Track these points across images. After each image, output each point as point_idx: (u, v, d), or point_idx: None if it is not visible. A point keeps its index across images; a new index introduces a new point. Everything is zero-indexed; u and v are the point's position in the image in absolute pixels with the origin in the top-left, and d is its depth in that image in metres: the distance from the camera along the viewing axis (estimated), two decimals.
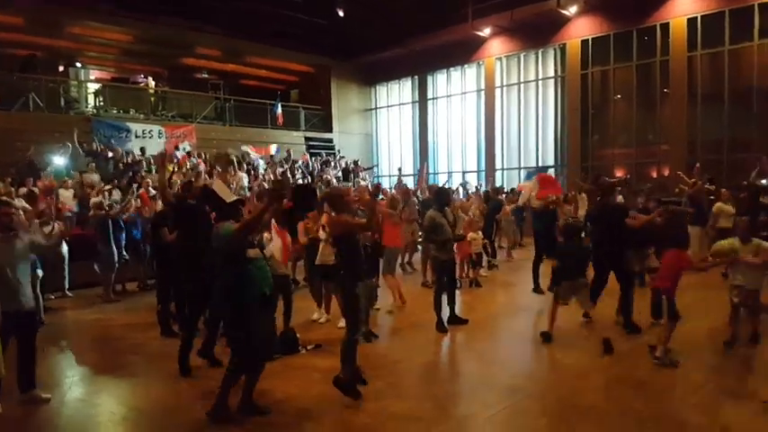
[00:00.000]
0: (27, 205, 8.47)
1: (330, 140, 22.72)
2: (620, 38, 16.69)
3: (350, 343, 4.64)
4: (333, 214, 4.95)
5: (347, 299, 4.71)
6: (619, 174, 16.67)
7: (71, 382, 5.54)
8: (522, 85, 19.52)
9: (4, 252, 4.82)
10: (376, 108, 24.56)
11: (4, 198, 5.99)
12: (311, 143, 21.74)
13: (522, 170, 19.50)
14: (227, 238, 4.18)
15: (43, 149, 12.91)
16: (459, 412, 4.53)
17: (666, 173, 15.48)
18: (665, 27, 15.62)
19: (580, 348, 5.96)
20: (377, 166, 22.95)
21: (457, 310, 7.34)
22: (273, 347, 4.61)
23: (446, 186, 10.47)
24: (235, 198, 4.48)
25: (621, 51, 16.71)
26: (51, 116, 15.29)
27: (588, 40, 17.33)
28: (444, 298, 6.98)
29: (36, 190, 10.62)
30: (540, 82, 19.05)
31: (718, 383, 5.00)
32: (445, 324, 6.91)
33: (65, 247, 9.66)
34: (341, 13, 19.94)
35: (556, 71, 18.60)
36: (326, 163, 19.41)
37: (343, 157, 20.81)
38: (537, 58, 19.04)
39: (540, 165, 18.98)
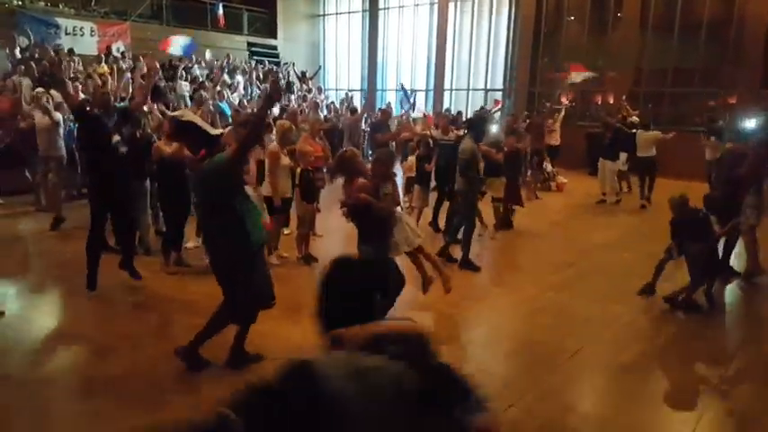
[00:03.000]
0: None
1: (274, 48, 21.64)
2: None
3: None
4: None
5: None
6: (563, 100, 16.95)
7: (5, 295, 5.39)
8: (476, 2, 19.05)
9: None
10: (324, 15, 23.42)
11: None
12: (254, 49, 20.64)
13: (470, 92, 19.44)
14: (222, 170, 3.57)
15: None
16: None
17: (611, 100, 15.85)
18: None
19: None
20: (321, 67, 22.10)
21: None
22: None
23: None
24: (219, 131, 3.96)
25: None
26: None
27: None
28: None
29: None
30: None
31: None
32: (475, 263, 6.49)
33: None
34: None
35: None
36: (269, 72, 18.58)
37: (287, 63, 19.90)
38: None
39: (488, 87, 18.97)
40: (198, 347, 3.85)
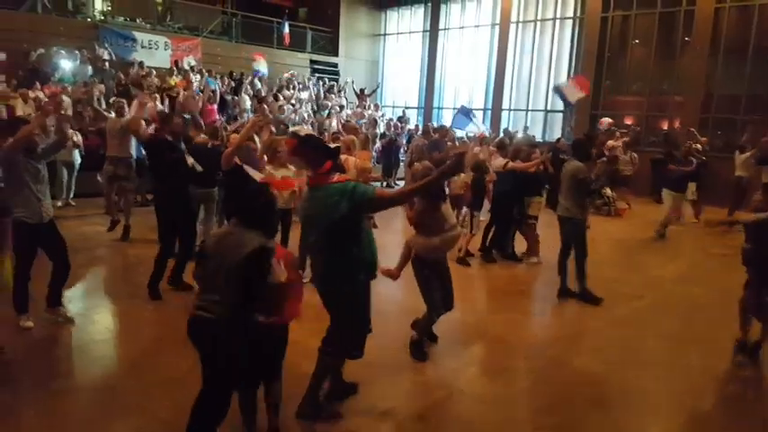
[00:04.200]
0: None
1: (335, 65, 22.10)
2: None
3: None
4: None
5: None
6: (628, 122, 16.58)
7: (71, 297, 5.59)
8: (538, 23, 18.94)
9: (26, 162, 4.64)
10: (385, 34, 23.78)
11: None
12: (316, 66, 21.15)
13: (529, 112, 19.25)
14: (365, 203, 3.25)
15: (50, 54, 12.47)
16: None
17: (677, 125, 15.36)
18: None
19: None
20: (379, 85, 22.47)
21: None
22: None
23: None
24: (337, 144, 3.84)
25: None
26: (59, 19, 14.74)
27: None
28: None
29: (42, 95, 10.42)
30: (557, 21, 18.49)
31: None
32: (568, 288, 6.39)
33: (77, 157, 9.60)
34: None
35: (575, 11, 18.03)
36: (330, 89, 18.97)
37: (348, 81, 20.29)
38: None
39: (548, 108, 18.75)
40: (316, 401, 3.60)
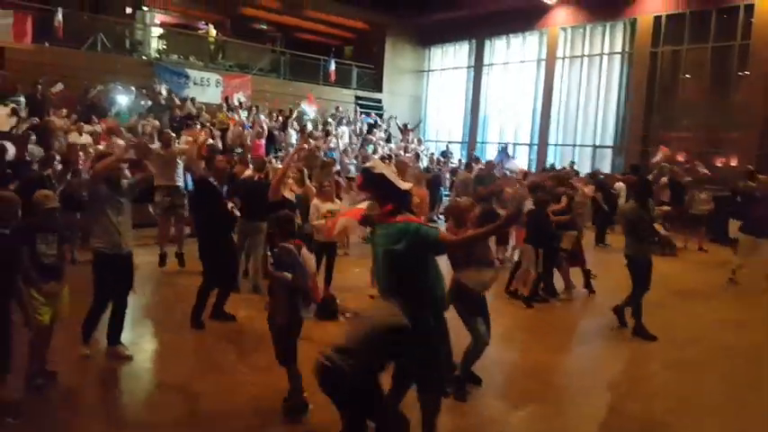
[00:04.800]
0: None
1: (379, 101, 22.41)
2: (697, 16, 15.80)
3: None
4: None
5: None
6: (680, 158, 16.01)
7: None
8: (585, 59, 18.78)
9: (108, 194, 4.74)
10: (428, 70, 24.03)
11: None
12: (360, 102, 21.48)
13: (576, 147, 18.94)
14: (428, 245, 3.21)
15: (107, 90, 13.09)
16: None
17: (734, 163, 14.79)
18: (750, 8, 14.67)
19: None
20: (421, 121, 22.54)
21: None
22: None
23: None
24: (409, 185, 3.60)
25: (697, 31, 15.84)
26: (117, 57, 15.57)
27: (662, 16, 16.48)
28: None
29: (101, 128, 10.87)
30: (605, 56, 18.29)
31: None
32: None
33: None
34: None
35: (623, 47, 17.81)
36: (374, 125, 19.20)
37: (392, 117, 20.51)
38: (604, 31, 18.23)
39: (597, 143, 18.42)
40: None
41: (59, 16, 14.25)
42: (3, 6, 13.31)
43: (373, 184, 3.38)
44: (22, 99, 11.50)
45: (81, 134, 10.59)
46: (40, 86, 12.08)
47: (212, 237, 5.88)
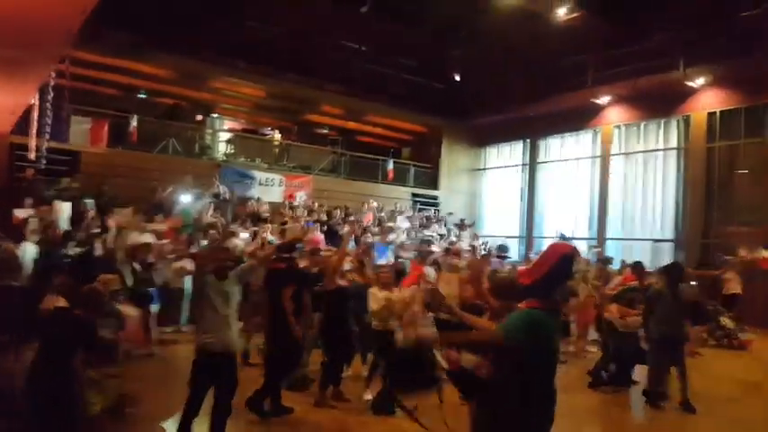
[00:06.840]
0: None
1: (435, 198, 23.01)
2: (751, 112, 15.78)
3: None
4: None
5: None
6: (742, 253, 15.32)
7: None
8: (640, 155, 18.85)
9: (217, 286, 4.68)
10: (484, 168, 24.64)
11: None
12: (417, 199, 22.13)
13: (635, 241, 18.56)
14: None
15: (175, 190, 14.11)
16: None
17: None
18: None
19: None
20: (477, 218, 22.94)
21: None
22: None
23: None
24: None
25: (752, 125, 15.75)
26: (186, 160, 16.82)
27: (716, 113, 16.55)
28: None
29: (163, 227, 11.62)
30: (659, 153, 18.32)
31: None
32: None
33: (188, 283, 10.31)
34: (457, 78, 20.50)
35: (678, 143, 17.81)
36: (428, 218, 19.61)
37: (451, 213, 20.93)
38: (658, 128, 18.38)
39: (656, 237, 18.02)
40: None
41: (134, 122, 15.76)
42: (82, 114, 14.87)
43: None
44: (91, 201, 12.41)
45: (142, 233, 10.81)
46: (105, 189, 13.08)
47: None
